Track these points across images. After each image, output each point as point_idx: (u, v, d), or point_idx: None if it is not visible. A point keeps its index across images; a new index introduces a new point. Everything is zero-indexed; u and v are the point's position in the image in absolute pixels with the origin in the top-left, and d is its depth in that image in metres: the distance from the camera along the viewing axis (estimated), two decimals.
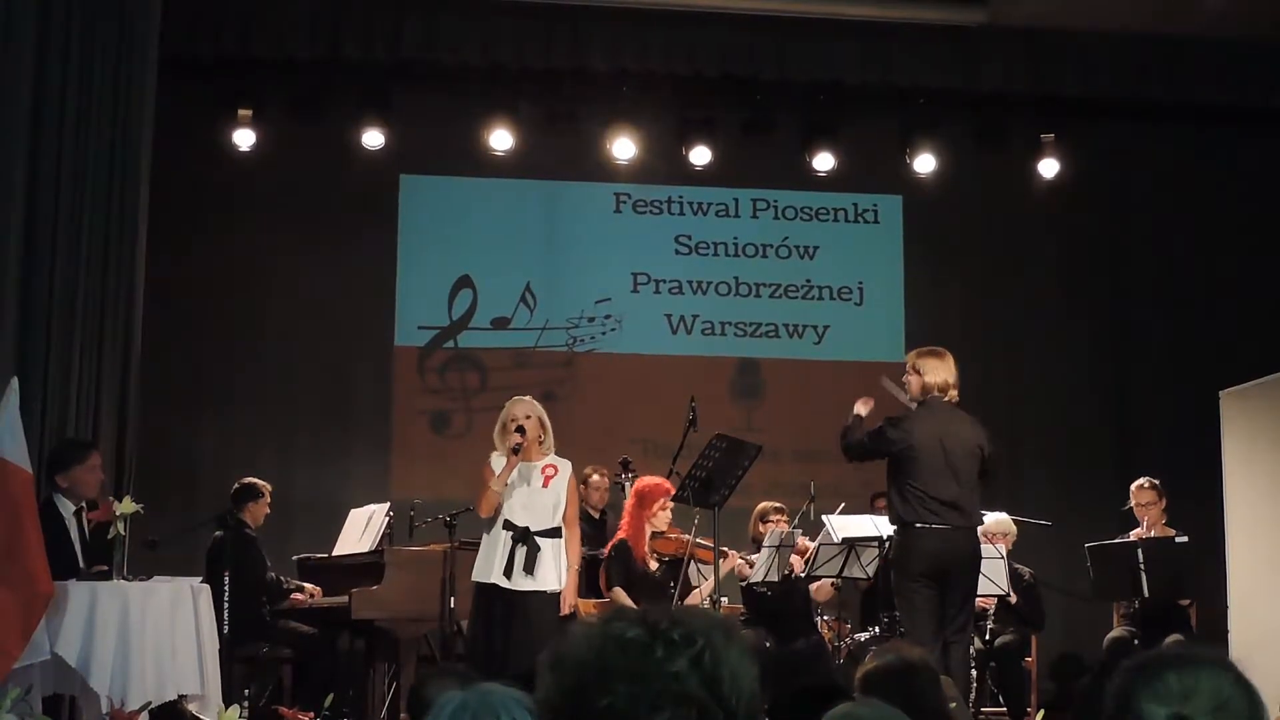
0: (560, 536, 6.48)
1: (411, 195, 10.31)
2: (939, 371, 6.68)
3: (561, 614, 6.47)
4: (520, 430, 6.43)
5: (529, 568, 6.34)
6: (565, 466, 6.60)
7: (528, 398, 6.76)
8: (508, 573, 6.35)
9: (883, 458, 6.68)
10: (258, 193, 9.97)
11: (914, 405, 6.71)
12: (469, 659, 6.31)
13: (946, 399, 6.67)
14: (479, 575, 6.46)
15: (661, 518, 7.63)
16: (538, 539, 6.40)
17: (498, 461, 6.50)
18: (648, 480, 7.84)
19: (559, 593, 6.45)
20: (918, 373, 6.72)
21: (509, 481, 6.45)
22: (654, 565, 7.69)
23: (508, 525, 6.42)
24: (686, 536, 7.54)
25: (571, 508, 6.60)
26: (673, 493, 7.59)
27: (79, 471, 6.41)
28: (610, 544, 7.75)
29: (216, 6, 9.20)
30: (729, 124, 10.23)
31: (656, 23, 9.46)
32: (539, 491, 6.50)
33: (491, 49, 9.39)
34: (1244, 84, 9.76)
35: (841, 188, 10.51)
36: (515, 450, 6.40)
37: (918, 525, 6.49)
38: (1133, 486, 8.27)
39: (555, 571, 6.42)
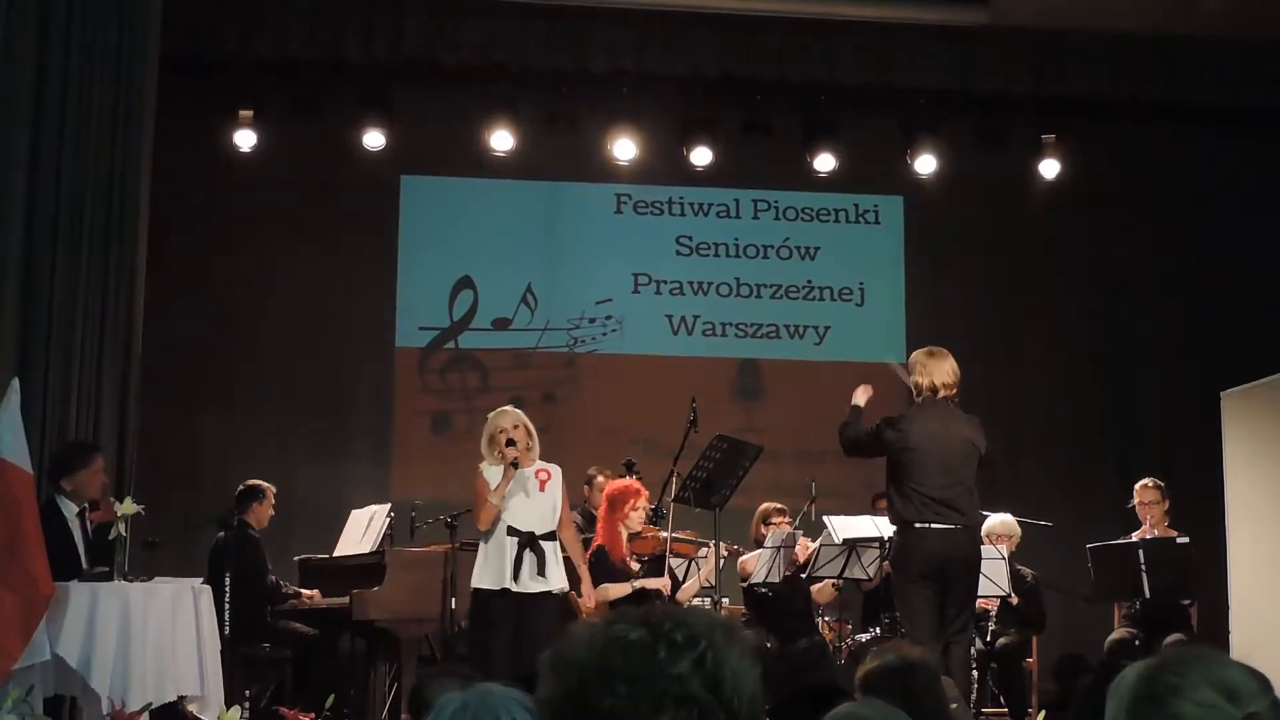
0: (557, 539, 6.58)
1: (412, 196, 10.31)
2: (935, 372, 6.65)
3: (588, 610, 6.61)
4: (511, 443, 6.48)
5: (541, 570, 6.44)
6: (556, 471, 6.70)
7: (510, 408, 6.83)
8: (516, 576, 6.41)
9: (880, 456, 6.68)
10: (258, 193, 9.96)
11: (916, 399, 6.71)
12: (476, 665, 6.29)
13: (942, 397, 6.65)
14: (484, 582, 6.46)
15: (634, 519, 7.57)
16: (542, 543, 6.48)
17: (490, 472, 6.54)
18: (616, 483, 7.78)
19: (566, 592, 6.58)
20: (912, 373, 6.71)
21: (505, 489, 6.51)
22: (635, 566, 7.66)
23: (512, 531, 6.46)
24: (664, 534, 7.53)
25: (566, 510, 6.69)
26: (643, 493, 7.57)
27: (83, 475, 6.45)
28: (588, 552, 7.72)
29: (216, 6, 9.20)
30: (729, 124, 10.22)
31: (657, 23, 9.46)
32: (536, 496, 6.57)
33: (491, 49, 9.40)
34: (1244, 84, 9.76)
35: (842, 188, 10.51)
36: (514, 465, 6.46)
37: (917, 525, 6.47)
38: (1137, 486, 8.25)
39: (560, 571, 6.53)
